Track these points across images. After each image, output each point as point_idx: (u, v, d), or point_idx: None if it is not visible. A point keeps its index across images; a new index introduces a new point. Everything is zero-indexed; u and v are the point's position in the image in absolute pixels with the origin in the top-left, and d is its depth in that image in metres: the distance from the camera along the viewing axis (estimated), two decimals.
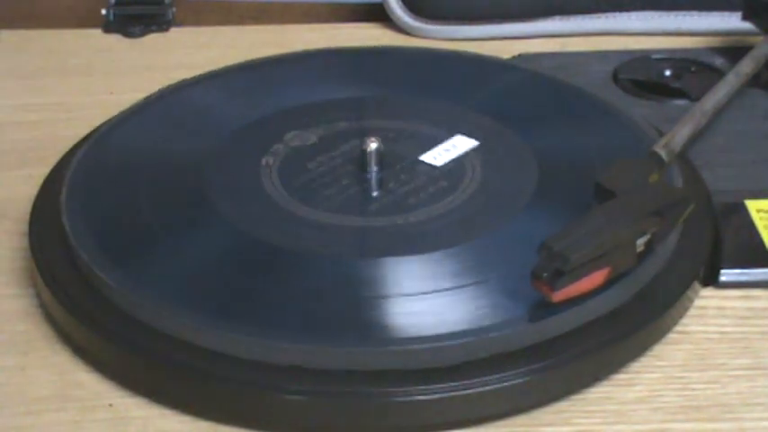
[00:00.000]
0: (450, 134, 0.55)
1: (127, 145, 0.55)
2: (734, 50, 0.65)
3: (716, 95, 0.56)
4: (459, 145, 0.53)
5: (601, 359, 0.44)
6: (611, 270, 0.44)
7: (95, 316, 0.45)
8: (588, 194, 0.47)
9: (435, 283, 0.45)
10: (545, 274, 0.42)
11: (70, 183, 0.52)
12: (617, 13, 0.71)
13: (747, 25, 0.65)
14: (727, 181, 0.54)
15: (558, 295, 0.43)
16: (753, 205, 0.52)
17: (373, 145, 0.52)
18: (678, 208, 0.46)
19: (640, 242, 0.45)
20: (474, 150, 0.54)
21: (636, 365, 0.45)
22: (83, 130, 0.58)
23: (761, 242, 0.50)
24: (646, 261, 0.46)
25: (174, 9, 0.74)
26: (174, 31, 0.73)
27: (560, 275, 0.42)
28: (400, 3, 0.72)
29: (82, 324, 0.45)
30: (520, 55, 0.67)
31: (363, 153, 0.52)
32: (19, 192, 0.56)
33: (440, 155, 0.53)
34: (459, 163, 0.53)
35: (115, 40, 0.72)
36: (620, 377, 0.45)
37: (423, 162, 0.53)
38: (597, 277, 0.43)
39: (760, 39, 0.62)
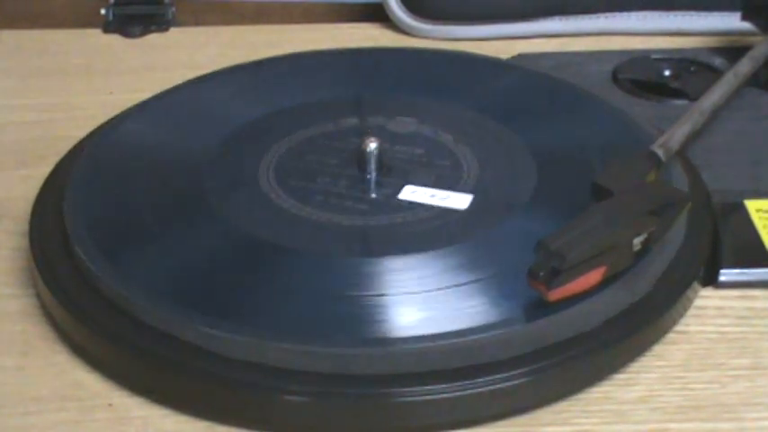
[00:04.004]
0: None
1: (127, 146, 0.55)
2: (733, 50, 0.66)
3: (714, 95, 0.56)
4: (452, 199, 0.50)
5: (601, 359, 0.44)
6: (607, 269, 0.44)
7: (95, 316, 0.45)
8: (587, 194, 0.47)
9: (434, 282, 0.45)
10: (541, 273, 0.42)
11: (70, 183, 0.52)
12: (617, 13, 0.71)
13: (747, 25, 0.65)
14: (727, 181, 0.54)
15: (555, 294, 0.43)
16: (752, 205, 0.52)
17: (372, 145, 0.52)
18: (675, 207, 0.46)
19: (637, 241, 0.45)
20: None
21: (635, 365, 0.45)
22: (82, 130, 0.58)
23: (760, 242, 0.50)
24: (651, 262, 0.46)
25: (174, 9, 0.74)
26: (173, 30, 0.73)
27: (557, 274, 0.42)
28: (400, 3, 0.72)
29: (81, 324, 0.45)
30: (520, 55, 0.67)
31: (363, 153, 0.52)
32: (19, 192, 0.56)
33: (424, 195, 0.50)
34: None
35: (115, 39, 0.72)
36: (619, 377, 0.45)
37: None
38: (593, 276, 0.43)
39: (759, 39, 0.62)
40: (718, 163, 0.55)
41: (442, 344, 0.42)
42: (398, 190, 0.51)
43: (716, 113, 0.57)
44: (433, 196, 0.50)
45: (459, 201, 0.49)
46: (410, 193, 0.50)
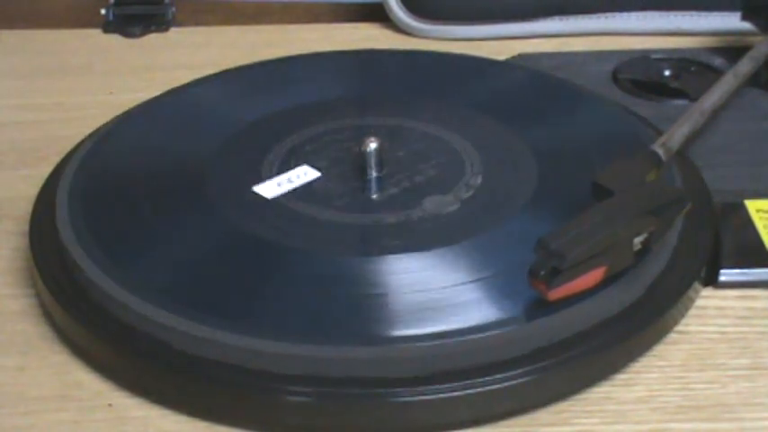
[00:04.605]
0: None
1: (127, 146, 0.55)
2: (733, 50, 0.66)
3: (714, 95, 0.56)
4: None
5: (601, 359, 0.44)
6: (607, 269, 0.44)
7: (95, 316, 0.45)
8: (587, 193, 0.47)
9: (434, 282, 0.45)
10: (542, 273, 0.42)
11: (70, 183, 0.52)
12: (617, 13, 0.71)
13: (747, 25, 0.65)
14: (727, 181, 0.54)
15: (555, 293, 0.43)
16: (752, 205, 0.52)
17: (373, 145, 0.52)
18: (675, 207, 0.46)
19: (637, 241, 0.45)
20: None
21: (636, 365, 0.45)
22: (82, 130, 0.58)
23: (760, 242, 0.50)
24: (651, 262, 0.46)
25: (174, 9, 0.74)
26: (173, 31, 0.73)
27: (557, 274, 0.42)
28: (400, 3, 0.72)
29: (81, 324, 0.45)
30: (520, 55, 0.67)
31: (363, 153, 0.52)
32: (19, 192, 0.56)
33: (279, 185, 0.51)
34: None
35: (115, 39, 0.72)
36: (620, 377, 0.45)
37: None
38: (594, 276, 0.43)
39: (759, 39, 0.62)
40: (718, 163, 0.55)
41: (441, 343, 0.42)
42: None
43: (716, 113, 0.57)
44: (279, 185, 0.51)
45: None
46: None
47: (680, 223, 0.49)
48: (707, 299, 0.49)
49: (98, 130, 0.57)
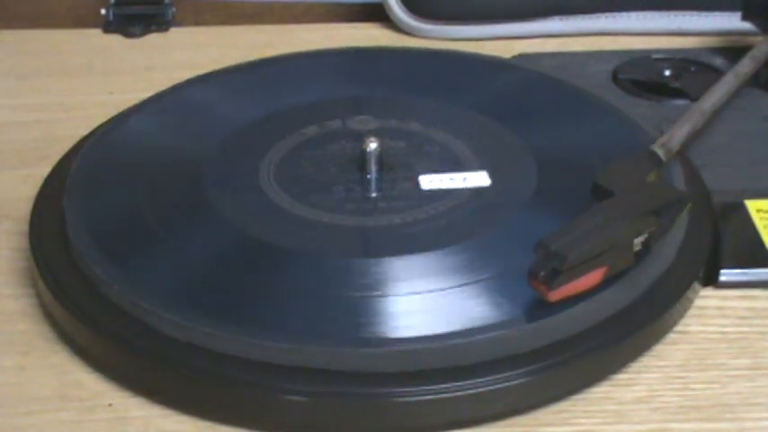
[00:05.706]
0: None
1: (127, 145, 0.55)
2: (734, 50, 0.66)
3: (715, 95, 0.56)
4: (469, 179, 0.51)
5: (601, 359, 0.44)
6: (608, 269, 0.44)
7: (95, 316, 0.45)
8: (587, 194, 0.47)
9: (434, 282, 0.45)
10: (542, 273, 0.42)
11: (70, 183, 0.52)
12: (617, 14, 0.71)
13: (747, 25, 0.65)
14: (727, 181, 0.54)
15: (555, 294, 0.43)
16: (752, 205, 0.52)
17: (373, 145, 0.52)
18: (675, 207, 0.46)
19: (637, 241, 0.45)
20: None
21: (636, 365, 0.45)
22: (82, 130, 0.58)
23: (760, 242, 0.50)
24: (651, 263, 0.46)
25: (174, 9, 0.74)
26: (173, 31, 0.73)
27: (557, 275, 0.42)
28: (399, 3, 0.72)
29: (82, 324, 0.45)
30: (520, 55, 0.67)
31: (363, 153, 0.52)
32: (19, 192, 0.56)
33: (440, 181, 0.51)
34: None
35: (115, 39, 0.72)
36: (620, 377, 0.45)
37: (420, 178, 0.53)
38: (594, 276, 0.43)
39: (760, 39, 0.62)
40: (718, 163, 0.55)
41: (442, 344, 0.42)
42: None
43: (716, 114, 0.57)
44: (452, 179, 0.51)
45: (479, 179, 0.51)
46: (428, 182, 0.51)
47: (679, 223, 0.49)
48: (707, 299, 0.49)
49: (97, 128, 0.57)
